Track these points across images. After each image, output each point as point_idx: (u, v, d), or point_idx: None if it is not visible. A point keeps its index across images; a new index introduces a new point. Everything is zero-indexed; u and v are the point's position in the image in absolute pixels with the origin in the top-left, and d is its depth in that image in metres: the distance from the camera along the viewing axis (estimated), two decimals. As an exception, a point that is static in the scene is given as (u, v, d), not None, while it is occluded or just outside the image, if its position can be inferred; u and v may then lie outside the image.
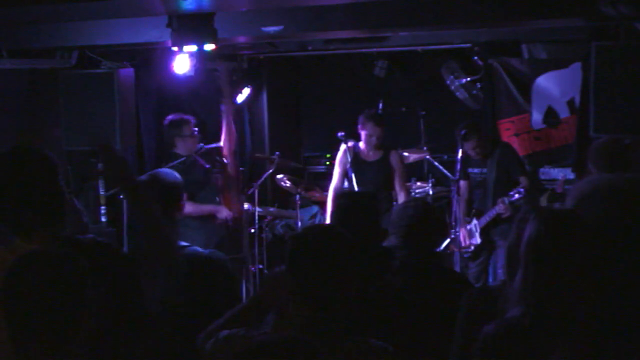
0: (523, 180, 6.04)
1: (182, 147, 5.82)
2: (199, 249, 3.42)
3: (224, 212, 5.78)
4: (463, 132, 6.03)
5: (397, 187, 6.22)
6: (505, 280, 2.52)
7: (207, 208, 5.71)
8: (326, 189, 8.01)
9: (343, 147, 6.26)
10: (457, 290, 3.20)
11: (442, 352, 3.03)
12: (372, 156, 6.24)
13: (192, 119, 5.96)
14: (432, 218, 3.46)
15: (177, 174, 3.58)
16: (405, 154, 6.93)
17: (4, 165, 2.52)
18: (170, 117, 5.97)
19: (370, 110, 6.51)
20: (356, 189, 5.97)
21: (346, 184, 6.30)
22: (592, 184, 2.31)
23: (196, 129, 5.91)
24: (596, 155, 4.43)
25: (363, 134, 6.21)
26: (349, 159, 6.15)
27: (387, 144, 6.29)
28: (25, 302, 1.98)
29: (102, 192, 6.25)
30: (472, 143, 6.04)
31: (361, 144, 6.28)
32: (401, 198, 6.15)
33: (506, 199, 5.84)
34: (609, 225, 2.08)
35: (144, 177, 3.53)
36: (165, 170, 3.72)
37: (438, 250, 3.61)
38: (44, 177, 2.52)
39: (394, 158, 6.24)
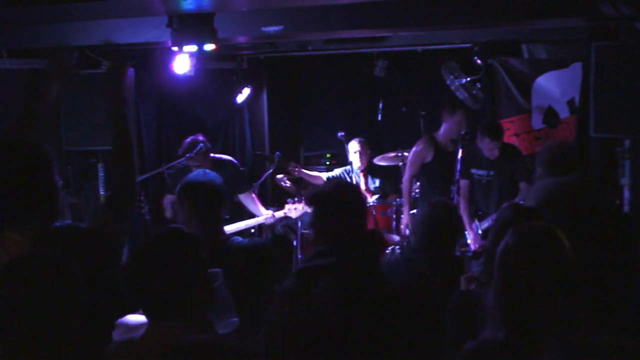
0: (523, 186, 6.02)
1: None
2: (240, 238, 3.47)
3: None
4: (493, 132, 5.98)
5: None
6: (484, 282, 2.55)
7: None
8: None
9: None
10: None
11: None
12: (450, 147, 6.36)
13: (201, 140, 5.89)
14: (453, 222, 3.50)
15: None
16: (406, 153, 6.93)
17: None
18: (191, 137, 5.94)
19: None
20: None
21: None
22: (545, 190, 2.34)
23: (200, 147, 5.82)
24: (543, 157, 4.48)
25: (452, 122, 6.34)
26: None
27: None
28: (13, 308, 1.95)
29: (102, 192, 6.24)
30: (498, 143, 6.01)
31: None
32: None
33: None
34: (566, 227, 2.10)
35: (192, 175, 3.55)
36: (211, 172, 3.70)
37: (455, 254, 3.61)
38: (38, 170, 2.50)
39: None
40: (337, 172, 7.12)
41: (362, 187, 6.85)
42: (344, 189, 3.21)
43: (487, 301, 2.14)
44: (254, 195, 6.13)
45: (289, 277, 2.96)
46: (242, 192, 6.04)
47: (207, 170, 3.66)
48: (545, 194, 2.49)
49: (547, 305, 1.96)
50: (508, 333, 2.00)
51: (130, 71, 6.38)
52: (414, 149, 6.50)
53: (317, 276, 2.87)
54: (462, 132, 6.31)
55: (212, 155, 5.92)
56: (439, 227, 3.40)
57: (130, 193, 2.77)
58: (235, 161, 6.09)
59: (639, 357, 1.79)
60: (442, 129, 6.47)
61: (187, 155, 5.76)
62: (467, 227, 6.30)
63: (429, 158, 6.39)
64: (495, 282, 2.07)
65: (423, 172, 6.47)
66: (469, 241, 6.34)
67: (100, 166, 6.18)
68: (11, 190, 2.46)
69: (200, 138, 5.88)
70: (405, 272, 3.31)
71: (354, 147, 6.94)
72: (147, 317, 2.14)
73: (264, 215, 6.02)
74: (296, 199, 6.30)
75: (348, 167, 7.05)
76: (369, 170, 7.05)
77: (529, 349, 1.91)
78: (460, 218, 3.69)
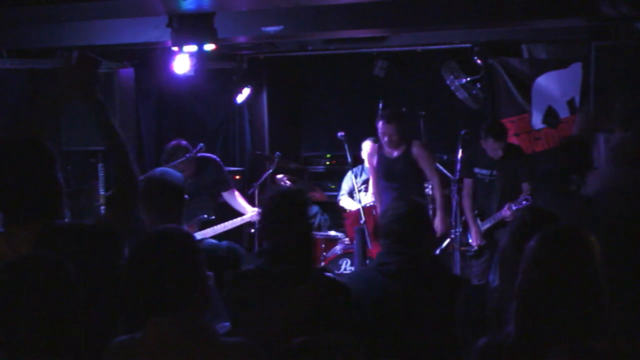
0: (525, 186, 6.02)
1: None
2: (214, 241, 3.41)
3: None
4: (497, 132, 5.97)
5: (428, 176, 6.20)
6: (496, 280, 2.54)
7: None
8: (326, 189, 8.05)
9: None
10: (456, 294, 3.19)
11: (442, 356, 3.03)
12: (395, 153, 6.15)
13: (184, 144, 5.82)
14: (424, 219, 3.36)
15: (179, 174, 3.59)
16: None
17: (3, 155, 2.54)
18: (174, 142, 5.86)
19: (385, 110, 6.50)
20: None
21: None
22: (612, 179, 2.30)
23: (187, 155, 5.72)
24: (618, 151, 4.29)
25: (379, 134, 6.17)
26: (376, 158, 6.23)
27: (407, 137, 6.18)
28: (11, 311, 1.95)
29: (102, 192, 6.25)
30: (502, 144, 5.99)
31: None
32: (433, 186, 6.20)
33: (513, 206, 5.82)
34: (632, 218, 2.07)
35: (150, 174, 3.51)
36: (170, 170, 3.69)
37: (436, 252, 3.49)
38: (41, 168, 2.54)
39: (415, 149, 6.13)
40: (347, 182, 7.08)
41: (371, 186, 6.83)
42: (283, 195, 3.22)
43: (498, 299, 2.12)
44: (237, 192, 6.11)
45: (227, 284, 2.99)
46: (226, 189, 6.01)
47: (166, 169, 3.63)
48: (605, 182, 2.46)
49: (570, 308, 1.95)
50: (526, 333, 1.99)
51: (130, 71, 6.38)
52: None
53: (249, 280, 2.94)
54: (462, 132, 6.31)
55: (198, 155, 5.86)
56: (408, 226, 3.22)
57: (132, 189, 2.77)
58: (217, 159, 6.03)
59: None
60: None
61: (176, 162, 5.65)
62: (471, 224, 6.30)
63: (374, 163, 6.28)
64: (518, 283, 2.05)
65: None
66: (470, 240, 6.35)
67: (100, 166, 6.18)
68: (15, 187, 2.49)
69: (183, 143, 5.79)
70: (379, 277, 3.23)
71: (367, 147, 6.95)
72: (148, 314, 2.15)
73: (249, 212, 5.98)
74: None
75: (355, 168, 7.02)
76: None
77: (544, 350, 1.90)
78: (429, 215, 3.57)
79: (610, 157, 4.22)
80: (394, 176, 6.09)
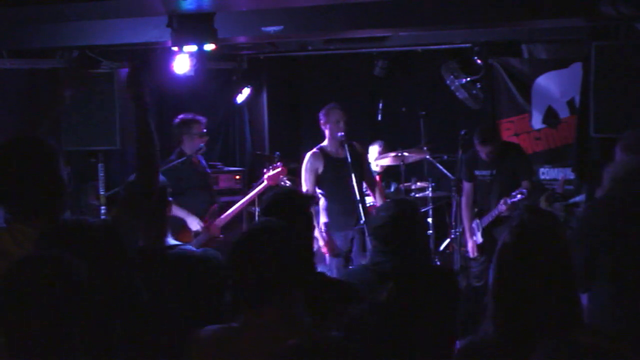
0: (525, 184, 6.02)
1: (188, 146, 5.85)
2: (192, 247, 3.39)
3: (194, 224, 5.62)
4: (481, 137, 5.95)
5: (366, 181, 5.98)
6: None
7: (180, 212, 5.51)
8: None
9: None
10: (450, 290, 3.19)
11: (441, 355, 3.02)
12: (342, 152, 5.71)
13: (202, 120, 5.96)
14: (416, 218, 3.33)
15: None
16: (406, 153, 6.94)
17: (6, 153, 2.58)
18: (181, 115, 5.97)
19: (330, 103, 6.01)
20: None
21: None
22: (625, 167, 2.32)
23: (205, 130, 5.98)
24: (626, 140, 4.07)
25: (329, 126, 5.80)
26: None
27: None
28: (21, 310, 1.95)
29: (102, 192, 6.25)
30: (489, 148, 5.96)
31: (326, 142, 5.88)
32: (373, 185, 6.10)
33: (508, 200, 5.81)
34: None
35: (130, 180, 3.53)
36: None
37: (428, 248, 3.50)
38: (44, 165, 2.57)
39: (357, 145, 5.89)
40: None
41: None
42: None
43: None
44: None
45: None
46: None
47: None
48: (623, 170, 2.48)
49: (542, 304, 1.96)
50: (501, 331, 1.99)
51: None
52: (303, 165, 5.89)
53: None
54: (462, 132, 6.30)
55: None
56: (401, 228, 3.22)
57: (147, 189, 2.83)
58: None
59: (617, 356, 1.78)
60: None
61: (176, 162, 5.70)
62: (467, 236, 6.26)
63: (319, 170, 5.82)
64: (492, 280, 2.06)
65: (320, 184, 5.86)
66: (468, 249, 6.33)
67: (100, 166, 6.18)
68: (18, 184, 2.52)
69: (189, 116, 5.97)
70: (373, 276, 3.19)
71: (374, 151, 7.12)
72: (247, 304, 2.21)
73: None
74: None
75: None
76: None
77: (521, 348, 1.90)
78: (422, 214, 3.58)
79: (621, 145, 4.03)
80: (346, 177, 5.59)
